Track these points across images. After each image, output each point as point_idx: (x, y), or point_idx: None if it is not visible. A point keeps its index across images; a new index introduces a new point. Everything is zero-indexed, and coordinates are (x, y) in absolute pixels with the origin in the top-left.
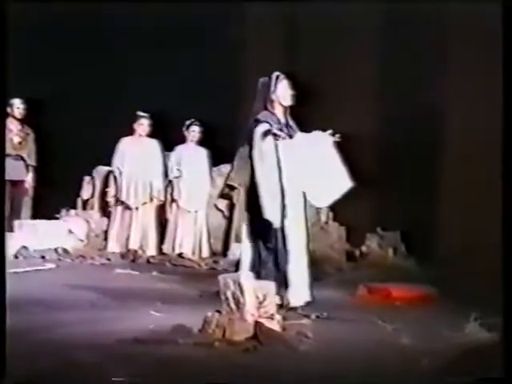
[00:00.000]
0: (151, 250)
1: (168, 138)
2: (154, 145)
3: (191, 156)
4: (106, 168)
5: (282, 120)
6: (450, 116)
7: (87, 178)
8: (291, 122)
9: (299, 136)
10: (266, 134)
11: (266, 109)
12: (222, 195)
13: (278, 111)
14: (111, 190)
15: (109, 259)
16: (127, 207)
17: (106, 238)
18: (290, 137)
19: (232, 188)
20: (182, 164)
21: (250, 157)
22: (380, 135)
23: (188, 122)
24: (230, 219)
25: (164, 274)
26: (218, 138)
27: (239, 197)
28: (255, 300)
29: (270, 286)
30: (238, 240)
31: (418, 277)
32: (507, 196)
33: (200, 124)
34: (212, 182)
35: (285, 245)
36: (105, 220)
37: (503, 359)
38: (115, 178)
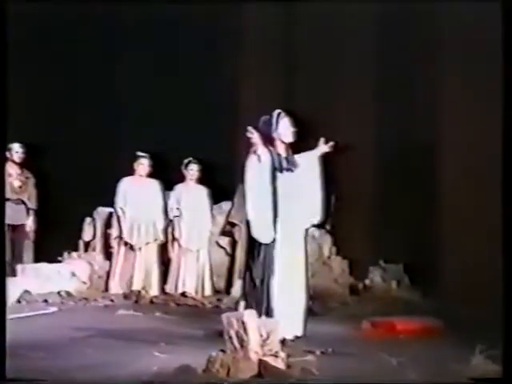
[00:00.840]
0: (154, 290)
1: (168, 177)
2: (155, 185)
3: (191, 195)
4: (107, 209)
5: (283, 154)
6: (451, 140)
7: (88, 220)
8: (292, 157)
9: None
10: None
11: (266, 146)
12: (224, 232)
13: (280, 148)
14: (114, 231)
15: (112, 300)
16: (130, 248)
17: (108, 280)
18: (291, 170)
19: (233, 225)
20: (181, 203)
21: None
22: (379, 166)
23: (186, 161)
24: (232, 256)
25: (167, 314)
26: (217, 175)
27: (241, 233)
28: (259, 338)
29: (273, 323)
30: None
31: (421, 309)
32: (508, 229)
33: (198, 162)
34: (213, 219)
35: (270, 264)
36: (107, 262)
37: (502, 360)
38: (118, 218)
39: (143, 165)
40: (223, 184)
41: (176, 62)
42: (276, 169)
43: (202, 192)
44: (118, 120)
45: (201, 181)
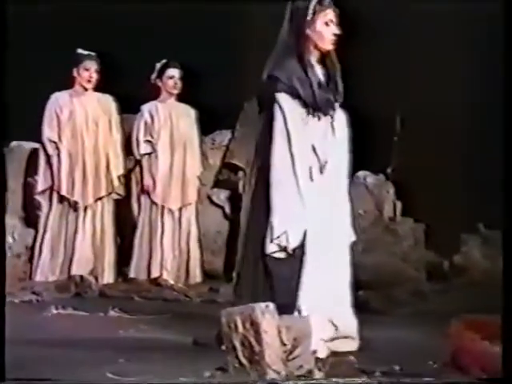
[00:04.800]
0: (108, 276)
1: (130, 90)
2: (107, 103)
3: (169, 119)
4: (28, 144)
5: (319, 77)
6: None
7: None
8: (334, 79)
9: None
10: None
11: (295, 53)
12: (220, 181)
13: (313, 59)
14: (41, 180)
15: (37, 293)
16: (70, 207)
17: (32, 260)
18: (330, 104)
19: (235, 169)
20: (154, 133)
21: (267, 124)
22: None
23: (160, 64)
24: (234, 219)
25: (129, 312)
26: (209, 89)
27: (247, 183)
28: (280, 348)
29: (304, 324)
30: None
31: None
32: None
33: (181, 66)
34: (204, 160)
35: (300, 268)
36: (30, 230)
37: (502, 360)
38: (49, 158)
39: (89, 70)
40: (218, 103)
41: None
42: (309, 105)
43: (187, 115)
44: None
45: (184, 97)
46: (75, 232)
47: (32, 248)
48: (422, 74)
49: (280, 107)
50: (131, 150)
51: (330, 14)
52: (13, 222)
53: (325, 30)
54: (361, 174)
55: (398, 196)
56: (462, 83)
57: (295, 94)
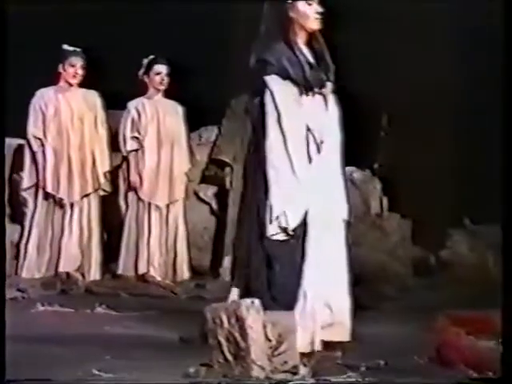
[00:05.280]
0: (94, 273)
1: (116, 87)
2: (93, 99)
3: (156, 115)
4: (14, 140)
5: (308, 57)
6: None
7: None
8: (323, 59)
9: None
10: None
11: (281, 37)
12: (207, 177)
13: (300, 41)
14: (27, 177)
15: (23, 290)
16: (55, 203)
17: (18, 257)
18: (322, 83)
19: (222, 165)
20: (141, 129)
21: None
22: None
23: (147, 60)
24: (220, 216)
25: (115, 309)
26: (196, 85)
27: (234, 179)
28: (265, 343)
29: (289, 318)
30: None
31: None
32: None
33: (169, 62)
34: (191, 156)
35: (302, 257)
36: (16, 226)
37: (501, 360)
38: (34, 155)
39: (74, 67)
40: (205, 99)
41: None
42: (301, 85)
43: (174, 111)
44: None
45: (171, 93)
46: (62, 229)
47: (18, 245)
48: (409, 70)
49: (270, 90)
50: (118, 147)
51: None
52: None
53: (308, 9)
54: (348, 169)
55: (384, 192)
56: (448, 79)
57: (286, 75)
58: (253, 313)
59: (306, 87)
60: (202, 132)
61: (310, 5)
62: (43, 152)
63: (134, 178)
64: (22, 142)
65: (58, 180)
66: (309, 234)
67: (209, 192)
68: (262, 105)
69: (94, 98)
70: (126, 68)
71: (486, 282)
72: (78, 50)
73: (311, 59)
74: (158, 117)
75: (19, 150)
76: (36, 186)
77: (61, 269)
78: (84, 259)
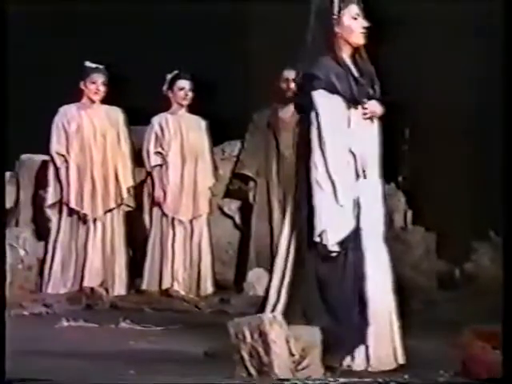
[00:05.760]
0: (119, 288)
1: (139, 103)
2: (115, 115)
3: (180, 131)
4: (38, 157)
5: (354, 72)
6: None
7: (8, 175)
8: (369, 74)
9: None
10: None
11: (327, 51)
12: (231, 192)
13: (346, 55)
14: (51, 193)
15: (49, 305)
16: (79, 219)
17: (43, 273)
18: (368, 98)
19: (245, 179)
20: (164, 144)
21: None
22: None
23: (171, 76)
24: (244, 230)
25: (140, 324)
26: (219, 100)
27: (258, 193)
28: (288, 358)
29: (312, 333)
30: (261, 263)
31: None
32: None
33: (192, 78)
34: (215, 171)
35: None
36: (40, 243)
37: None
38: (57, 171)
39: (96, 83)
40: (228, 113)
41: None
42: (348, 100)
43: (199, 126)
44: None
45: (194, 108)
46: (85, 244)
47: (43, 260)
48: (431, 83)
49: (316, 107)
50: (142, 162)
51: (354, 8)
52: (24, 234)
53: (353, 23)
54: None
55: (409, 205)
56: (471, 89)
57: (333, 90)
58: (276, 327)
59: (352, 102)
60: (226, 146)
61: (355, 19)
62: (67, 168)
63: (158, 193)
64: (45, 157)
65: (82, 196)
66: (351, 251)
67: (232, 206)
68: (308, 120)
69: (116, 114)
70: (150, 83)
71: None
72: (100, 66)
73: (356, 74)
74: (181, 132)
75: (43, 167)
76: (60, 202)
77: (85, 284)
78: (108, 274)
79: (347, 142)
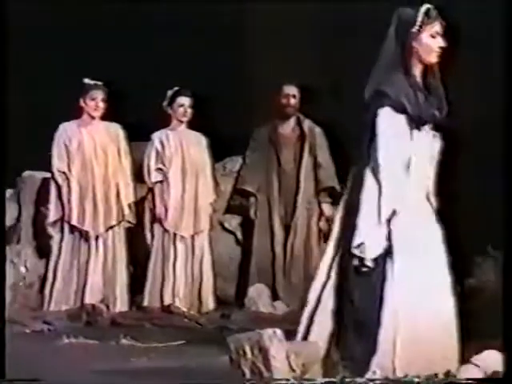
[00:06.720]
0: (120, 304)
1: (139, 119)
2: (116, 132)
3: (181, 147)
4: (39, 174)
5: (423, 91)
6: None
7: (8, 192)
8: (438, 94)
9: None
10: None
11: (401, 67)
12: (232, 207)
13: (417, 73)
14: (53, 210)
15: (49, 323)
16: (81, 236)
17: (44, 290)
18: (435, 119)
19: (246, 195)
20: (165, 161)
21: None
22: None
23: (171, 92)
24: (245, 245)
25: (140, 341)
26: (219, 116)
27: (259, 208)
28: (289, 373)
29: (313, 348)
30: (262, 278)
31: None
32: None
33: (191, 94)
34: (216, 186)
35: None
36: (41, 260)
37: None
38: (59, 188)
39: (95, 100)
40: (228, 129)
41: None
42: (414, 120)
43: (198, 142)
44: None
45: (195, 124)
46: (87, 261)
47: (44, 278)
48: None
49: (379, 124)
50: (143, 178)
51: (436, 26)
52: (25, 251)
53: (431, 42)
54: None
55: None
56: (472, 103)
57: (401, 109)
58: (276, 342)
59: (417, 123)
60: (227, 162)
61: (433, 37)
62: (68, 185)
63: (159, 209)
64: (46, 175)
65: (84, 213)
66: (389, 270)
67: (234, 222)
68: (371, 138)
69: (116, 130)
70: (151, 99)
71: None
72: (99, 83)
73: (426, 93)
74: (182, 148)
75: (44, 184)
76: (61, 219)
77: (86, 301)
78: (109, 291)
79: (404, 164)
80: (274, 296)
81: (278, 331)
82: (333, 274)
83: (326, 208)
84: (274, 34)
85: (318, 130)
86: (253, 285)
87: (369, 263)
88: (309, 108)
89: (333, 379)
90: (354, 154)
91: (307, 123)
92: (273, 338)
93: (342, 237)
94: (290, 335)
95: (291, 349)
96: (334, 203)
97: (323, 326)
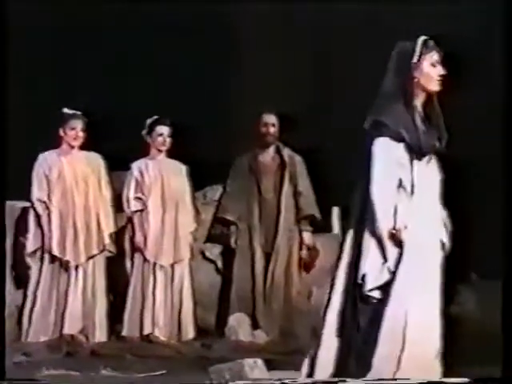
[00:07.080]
0: (100, 334)
1: (118, 149)
2: (96, 161)
3: (161, 176)
4: (18, 203)
5: (424, 121)
6: None
7: None
8: (438, 124)
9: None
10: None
11: (401, 98)
12: (212, 236)
13: (418, 102)
14: (31, 240)
15: (28, 354)
16: (61, 266)
17: (21, 320)
18: (434, 149)
19: (226, 224)
20: (145, 189)
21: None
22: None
23: (150, 121)
24: (226, 274)
25: (121, 371)
26: (199, 144)
27: (240, 237)
28: None
29: (293, 377)
30: (243, 307)
31: None
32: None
33: (170, 123)
34: (197, 215)
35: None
36: (19, 291)
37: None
38: (39, 218)
39: (75, 130)
40: (208, 157)
41: None
42: (413, 150)
43: (178, 171)
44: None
45: (175, 153)
46: (66, 291)
47: (22, 308)
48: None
49: (374, 154)
50: (121, 207)
51: (435, 55)
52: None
53: (432, 71)
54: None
55: None
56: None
57: (399, 139)
58: (256, 372)
59: (417, 153)
60: (208, 191)
61: (434, 66)
62: (48, 215)
63: (138, 238)
64: (24, 204)
65: (64, 242)
66: (392, 301)
67: (214, 251)
68: (368, 168)
69: (97, 160)
70: (130, 128)
71: (495, 337)
72: (78, 113)
73: (426, 122)
74: (161, 177)
75: (23, 214)
76: (41, 249)
77: (65, 331)
78: (88, 321)
79: (397, 195)
80: (255, 325)
81: (259, 361)
82: (342, 302)
83: (307, 236)
84: (254, 63)
85: (297, 158)
86: (233, 314)
87: (375, 294)
88: (288, 136)
89: (332, 379)
90: (355, 179)
91: (287, 151)
92: (254, 367)
93: (351, 264)
94: (270, 364)
95: (272, 378)
96: (315, 231)
97: (330, 351)
